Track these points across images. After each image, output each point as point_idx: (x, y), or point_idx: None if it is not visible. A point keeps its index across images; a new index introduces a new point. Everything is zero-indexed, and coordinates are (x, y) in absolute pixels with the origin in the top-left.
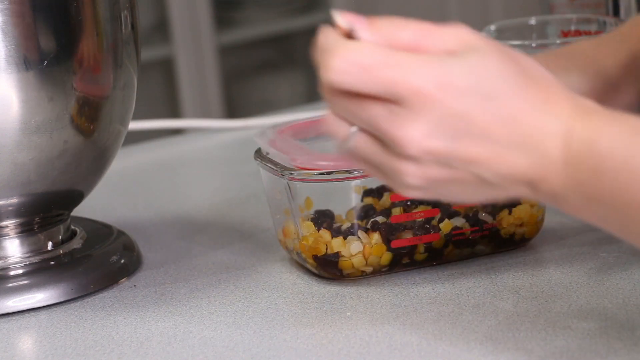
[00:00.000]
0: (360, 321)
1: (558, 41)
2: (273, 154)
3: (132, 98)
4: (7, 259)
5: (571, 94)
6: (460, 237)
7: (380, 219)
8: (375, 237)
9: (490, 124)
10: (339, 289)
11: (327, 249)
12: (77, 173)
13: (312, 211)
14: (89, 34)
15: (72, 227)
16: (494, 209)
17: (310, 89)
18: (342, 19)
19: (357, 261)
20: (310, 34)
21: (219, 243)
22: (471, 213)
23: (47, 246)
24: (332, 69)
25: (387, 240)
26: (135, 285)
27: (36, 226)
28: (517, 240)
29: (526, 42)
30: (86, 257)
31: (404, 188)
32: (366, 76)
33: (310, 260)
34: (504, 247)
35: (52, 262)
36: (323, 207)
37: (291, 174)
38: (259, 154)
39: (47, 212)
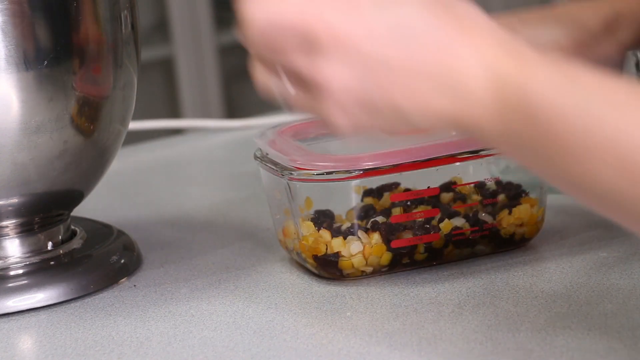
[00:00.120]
0: (360, 321)
1: None
2: (273, 154)
3: (132, 98)
4: (7, 259)
5: (499, 33)
6: (460, 237)
7: (380, 219)
8: (375, 237)
9: (408, 63)
10: (339, 289)
11: (327, 249)
12: (77, 173)
13: (312, 211)
14: (89, 34)
15: (72, 227)
16: (494, 209)
17: None
18: None
19: (357, 261)
20: None
21: (219, 243)
22: (471, 213)
23: (47, 246)
24: (251, 19)
25: (387, 240)
26: (135, 285)
27: (36, 226)
28: (517, 240)
29: None
30: (86, 257)
31: (336, 130)
32: (284, 21)
33: (310, 260)
34: (504, 247)
35: (52, 262)
36: (323, 207)
37: (291, 174)
38: (259, 154)
39: (47, 212)
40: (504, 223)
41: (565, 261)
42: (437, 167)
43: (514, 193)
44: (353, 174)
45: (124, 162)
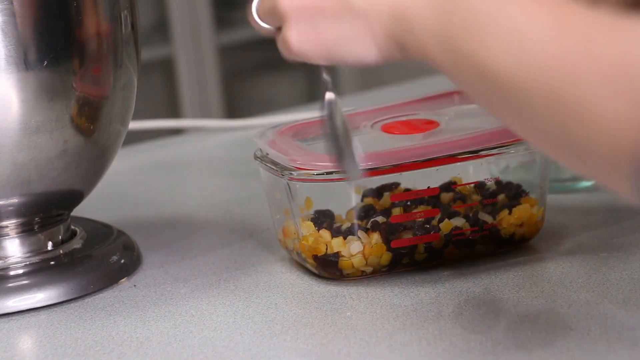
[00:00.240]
0: (360, 321)
1: None
2: (273, 154)
3: (132, 98)
4: (7, 259)
5: None
6: (460, 237)
7: (380, 219)
8: (375, 237)
9: None
10: (339, 289)
11: (327, 249)
12: (77, 173)
13: (312, 211)
14: (89, 34)
15: (72, 227)
16: (494, 209)
17: (310, 89)
18: None
19: (357, 261)
20: None
21: (219, 243)
22: (471, 213)
23: (47, 246)
24: None
25: (387, 240)
26: (135, 285)
27: (36, 226)
28: (517, 240)
29: None
30: (86, 257)
31: (289, 49)
32: None
33: (310, 260)
34: (504, 247)
35: (52, 262)
36: (323, 207)
37: (291, 174)
38: (259, 154)
39: (47, 212)
40: (504, 223)
41: (565, 261)
42: (437, 167)
43: (514, 193)
44: None
45: (124, 162)
